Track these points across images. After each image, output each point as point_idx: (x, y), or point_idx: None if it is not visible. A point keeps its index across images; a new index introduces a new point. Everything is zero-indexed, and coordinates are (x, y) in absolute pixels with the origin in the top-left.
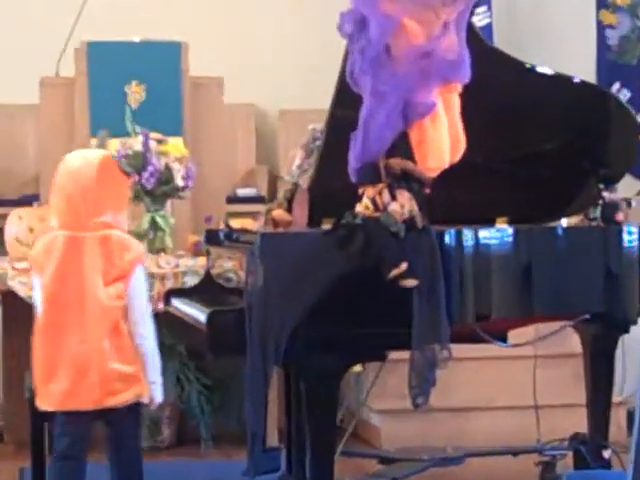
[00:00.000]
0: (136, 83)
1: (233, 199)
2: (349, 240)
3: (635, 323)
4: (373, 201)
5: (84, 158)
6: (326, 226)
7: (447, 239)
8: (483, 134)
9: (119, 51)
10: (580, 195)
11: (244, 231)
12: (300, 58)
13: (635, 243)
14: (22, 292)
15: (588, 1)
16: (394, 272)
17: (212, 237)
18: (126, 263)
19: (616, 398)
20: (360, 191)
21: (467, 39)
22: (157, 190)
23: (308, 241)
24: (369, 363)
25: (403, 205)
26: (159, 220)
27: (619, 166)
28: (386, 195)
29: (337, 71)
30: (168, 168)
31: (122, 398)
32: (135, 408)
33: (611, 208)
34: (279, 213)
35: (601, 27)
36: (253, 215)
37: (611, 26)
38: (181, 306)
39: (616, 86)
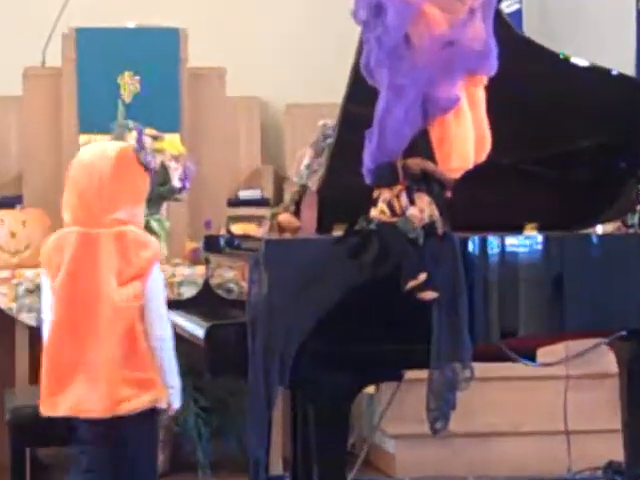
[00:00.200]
0: (130, 74)
1: (235, 202)
2: (363, 248)
3: None
4: (389, 205)
5: (99, 151)
6: (337, 232)
7: (470, 247)
8: (511, 132)
9: (111, 38)
10: (617, 199)
11: (247, 237)
12: (309, 47)
13: None
14: (2, 303)
15: None
16: (412, 283)
17: (212, 244)
18: (143, 261)
19: None
20: (375, 194)
21: (494, 27)
22: (152, 192)
23: (317, 249)
24: (384, 383)
25: (422, 209)
26: (154, 224)
27: None
28: (404, 198)
29: (350, 61)
30: (164, 167)
31: (136, 404)
32: (150, 417)
33: None
34: (286, 218)
35: None
36: (257, 220)
37: None
38: (177, 319)
39: None
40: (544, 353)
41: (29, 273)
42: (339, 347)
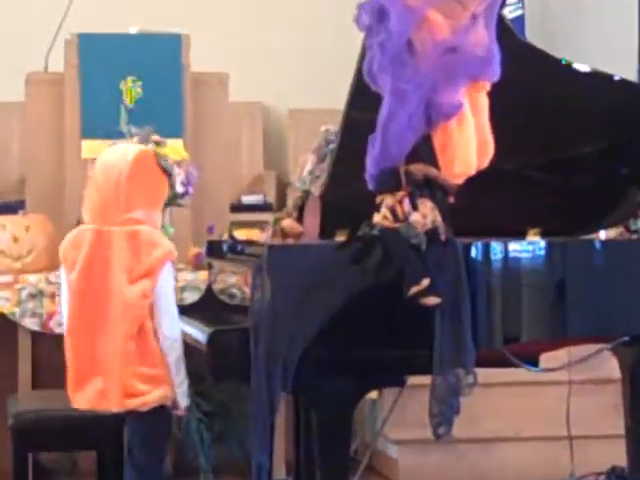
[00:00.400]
0: (132, 79)
1: (238, 207)
2: (365, 253)
3: None
4: (392, 211)
5: (120, 152)
6: (340, 238)
7: (473, 253)
8: (513, 138)
9: (114, 44)
10: (620, 205)
11: (250, 242)
12: (312, 52)
13: None
14: (5, 309)
15: None
16: (415, 289)
17: (214, 249)
18: (154, 260)
19: None
20: (378, 200)
21: (497, 33)
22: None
23: (320, 254)
24: (386, 389)
25: (425, 215)
26: None
27: None
28: (407, 204)
29: (353, 67)
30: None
31: (145, 399)
32: (160, 415)
33: None
34: (288, 223)
35: None
36: (260, 225)
37: None
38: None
39: None
40: (547, 358)
41: (32, 278)
42: (342, 353)
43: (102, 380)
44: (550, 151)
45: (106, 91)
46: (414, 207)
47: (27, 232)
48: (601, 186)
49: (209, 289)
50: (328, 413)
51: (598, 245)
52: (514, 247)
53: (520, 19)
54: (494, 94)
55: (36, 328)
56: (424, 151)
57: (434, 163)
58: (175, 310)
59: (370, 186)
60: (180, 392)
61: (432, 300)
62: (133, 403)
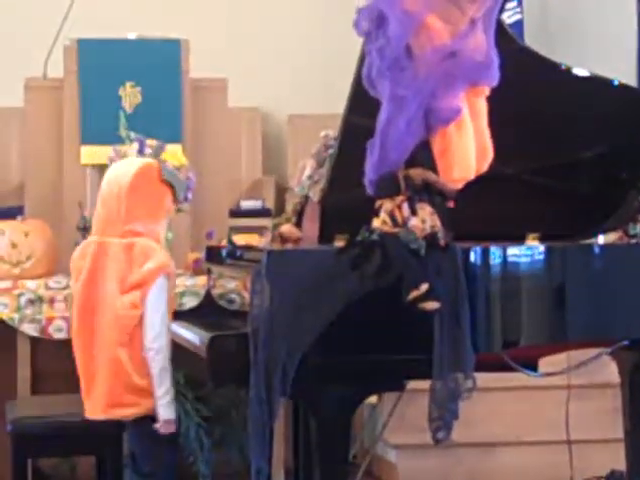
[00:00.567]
0: (131, 85)
1: (237, 212)
2: (364, 258)
3: None
4: (391, 215)
5: (124, 166)
6: (339, 243)
7: (472, 257)
8: (512, 142)
9: (113, 49)
10: (619, 209)
11: (249, 248)
12: (311, 58)
13: None
14: (4, 314)
15: None
16: (414, 294)
17: (213, 254)
18: (145, 271)
19: None
20: (377, 205)
21: (496, 37)
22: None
23: (319, 259)
24: (386, 394)
25: (424, 220)
26: None
27: None
28: (406, 209)
29: (352, 72)
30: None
31: (132, 411)
32: (146, 427)
33: None
34: (287, 228)
35: None
36: (259, 230)
37: None
38: (179, 330)
39: None
40: (546, 363)
41: (31, 284)
42: (341, 357)
43: (96, 388)
44: (549, 156)
45: (105, 97)
46: (413, 212)
47: (26, 238)
48: (600, 191)
49: (208, 294)
50: (327, 418)
51: (597, 250)
52: (513, 252)
53: (519, 24)
54: (493, 99)
55: (35, 334)
56: (423, 156)
57: (433, 168)
58: (162, 323)
59: (369, 191)
60: (161, 404)
61: (431, 305)
62: (119, 413)
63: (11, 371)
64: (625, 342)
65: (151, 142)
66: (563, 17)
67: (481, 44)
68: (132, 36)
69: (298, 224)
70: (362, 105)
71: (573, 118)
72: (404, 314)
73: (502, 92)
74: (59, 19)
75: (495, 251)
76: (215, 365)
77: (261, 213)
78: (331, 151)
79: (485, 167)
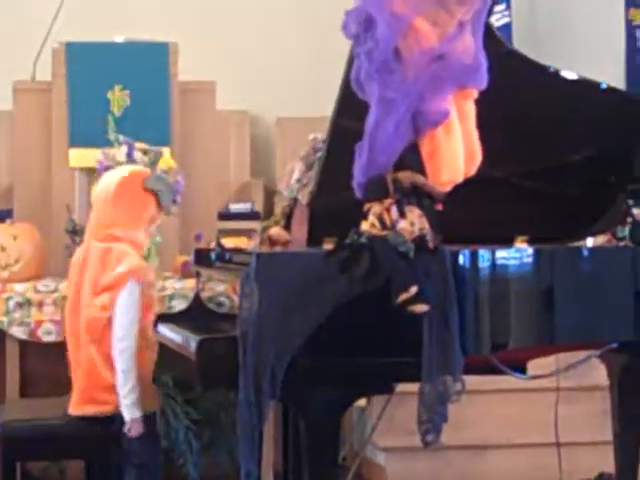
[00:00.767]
0: (120, 88)
1: (225, 215)
2: (353, 261)
3: None
4: (380, 218)
5: (115, 172)
6: (328, 246)
7: (461, 260)
8: (501, 145)
9: (101, 53)
10: (607, 212)
11: (237, 251)
12: (299, 61)
13: None
14: None
15: None
16: (403, 296)
17: (202, 257)
18: (116, 275)
19: None
20: (366, 207)
21: (484, 40)
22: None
23: (308, 262)
24: (375, 396)
25: (413, 223)
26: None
27: None
28: (394, 212)
29: (341, 75)
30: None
31: (105, 408)
32: (117, 424)
33: None
34: (276, 231)
35: (631, 27)
36: (247, 233)
37: None
38: (168, 333)
39: None
40: (535, 366)
41: (19, 287)
42: (330, 360)
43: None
44: (537, 159)
45: (93, 100)
46: (402, 215)
47: (15, 241)
48: (588, 193)
49: (197, 297)
50: (316, 421)
51: (585, 252)
52: (502, 254)
53: (507, 27)
54: (481, 102)
55: (24, 337)
56: (411, 159)
57: (421, 171)
58: (130, 326)
59: (358, 194)
60: (125, 404)
61: (420, 307)
62: (91, 409)
63: (0, 374)
64: (614, 345)
65: (140, 145)
66: (551, 20)
67: (469, 47)
68: (120, 39)
69: (287, 227)
70: (351, 108)
71: (561, 121)
72: (393, 317)
73: (490, 95)
74: (48, 22)
75: (484, 254)
76: (204, 368)
77: (250, 216)
78: (320, 154)
79: (473, 170)
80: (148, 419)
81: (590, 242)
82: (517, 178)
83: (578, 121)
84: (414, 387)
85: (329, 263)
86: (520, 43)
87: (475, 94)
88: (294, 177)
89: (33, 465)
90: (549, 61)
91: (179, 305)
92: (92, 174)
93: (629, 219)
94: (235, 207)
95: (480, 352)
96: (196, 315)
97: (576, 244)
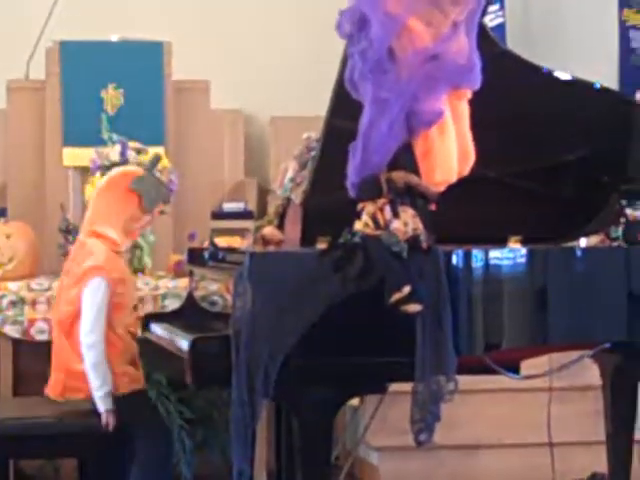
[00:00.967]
0: (113, 87)
1: (219, 215)
2: (347, 261)
3: None
4: (373, 218)
5: (110, 173)
6: (321, 245)
7: (454, 260)
8: (494, 145)
9: (95, 51)
10: (600, 213)
11: (231, 250)
12: (293, 60)
13: None
14: None
15: None
16: (396, 296)
17: (195, 256)
18: (81, 270)
19: (638, 435)
20: (359, 207)
21: (478, 41)
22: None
23: (301, 262)
24: (368, 396)
25: (406, 223)
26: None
27: None
28: (388, 212)
29: (335, 75)
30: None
31: (77, 395)
32: (129, 399)
33: (634, 227)
34: (270, 231)
35: (624, 28)
36: (240, 232)
37: (636, 27)
38: (161, 332)
39: None
40: (528, 366)
41: (12, 285)
42: (323, 360)
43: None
44: (531, 159)
45: (87, 99)
46: (395, 215)
47: (8, 239)
48: (582, 194)
49: (190, 296)
50: (309, 420)
51: (579, 252)
52: (495, 255)
53: (501, 27)
54: (475, 102)
55: (17, 336)
56: (405, 159)
57: (415, 171)
58: (94, 321)
59: (351, 194)
60: (98, 397)
61: (413, 307)
62: (75, 396)
63: None
64: (607, 345)
65: (134, 144)
66: (545, 21)
67: (463, 47)
68: (114, 38)
69: (280, 226)
70: (344, 108)
71: (555, 121)
72: (386, 317)
73: (484, 95)
74: (42, 20)
75: (477, 254)
76: (197, 367)
77: (243, 215)
78: (313, 153)
79: (467, 170)
80: (132, 398)
81: (583, 242)
82: (510, 178)
83: (571, 121)
84: (407, 387)
85: (322, 263)
86: (514, 43)
87: (469, 94)
88: (288, 176)
89: (26, 464)
90: (543, 61)
91: (172, 304)
92: (86, 173)
93: (622, 219)
94: (228, 206)
95: (473, 352)
96: (189, 314)
97: (569, 244)
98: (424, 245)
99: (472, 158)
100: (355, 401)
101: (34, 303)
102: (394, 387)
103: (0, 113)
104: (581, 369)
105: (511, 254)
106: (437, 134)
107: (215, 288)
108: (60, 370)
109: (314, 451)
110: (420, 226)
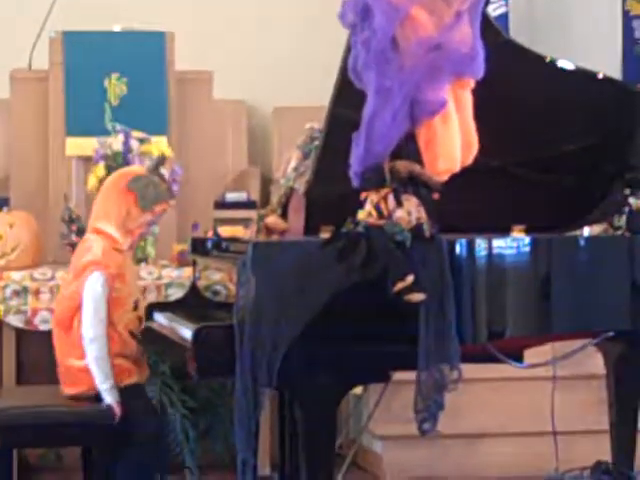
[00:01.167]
0: (116, 77)
1: (222, 204)
2: (350, 250)
3: None
4: (377, 207)
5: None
6: (325, 234)
7: (458, 249)
8: (498, 134)
9: (98, 41)
10: (604, 202)
11: (234, 240)
12: (297, 50)
13: None
14: None
15: None
16: (399, 285)
17: (199, 246)
18: (80, 264)
19: None
20: (363, 196)
21: (481, 30)
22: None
23: (305, 251)
24: (371, 385)
25: (410, 212)
26: None
27: None
28: (391, 201)
29: (338, 64)
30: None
31: (81, 388)
32: (128, 391)
33: (638, 216)
34: (273, 220)
35: (628, 18)
36: (243, 222)
37: (639, 17)
38: (164, 321)
39: None
40: (531, 354)
41: (16, 275)
42: (326, 349)
43: None
44: (535, 148)
45: (90, 88)
46: (399, 204)
47: (11, 229)
48: (585, 183)
49: (193, 286)
50: (313, 409)
51: (582, 241)
52: (499, 243)
53: (504, 17)
54: (478, 91)
55: (20, 325)
56: (408, 148)
57: (419, 160)
58: (94, 315)
59: (355, 183)
60: (102, 389)
61: (417, 296)
62: (72, 390)
63: None
64: (610, 333)
65: (137, 134)
66: (548, 10)
67: (466, 36)
68: (117, 28)
69: (283, 216)
70: (348, 97)
71: (557, 111)
72: (390, 306)
73: (487, 84)
74: (45, 11)
75: (481, 243)
76: (200, 356)
77: (246, 205)
78: (316, 143)
79: (470, 159)
80: (130, 390)
81: (587, 231)
82: (513, 167)
83: (574, 111)
84: (411, 375)
85: (326, 252)
86: (517, 33)
87: (472, 83)
88: (291, 166)
89: (30, 452)
90: (546, 51)
91: (176, 294)
92: (89, 163)
93: (626, 208)
94: (231, 196)
95: (477, 341)
96: (192, 304)
97: (573, 233)
98: (427, 234)
99: (475, 147)
100: (359, 390)
101: (37, 293)
102: (398, 376)
103: (3, 103)
104: (585, 358)
105: (514, 243)
106: (440, 123)
107: (218, 277)
108: (62, 365)
109: (318, 440)
110: (423, 215)
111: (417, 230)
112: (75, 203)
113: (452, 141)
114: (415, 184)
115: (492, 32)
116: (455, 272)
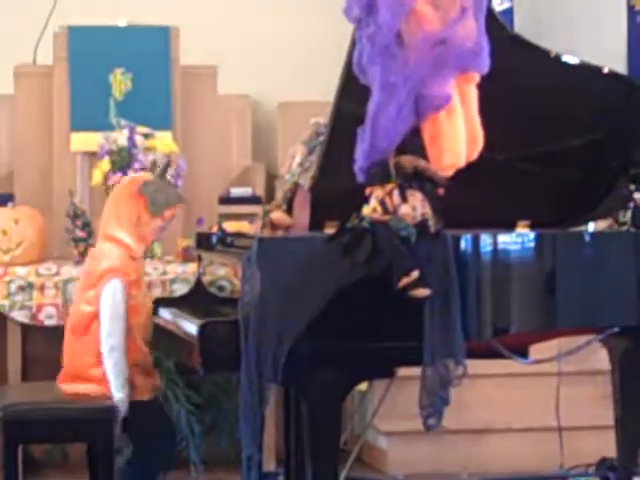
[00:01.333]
0: (121, 72)
1: (227, 200)
2: (355, 245)
3: None
4: (382, 203)
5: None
6: (330, 230)
7: (463, 245)
8: (503, 129)
9: (103, 36)
10: (609, 197)
11: (239, 235)
12: (302, 45)
13: None
14: None
15: None
16: (404, 281)
17: (204, 241)
18: (97, 272)
19: None
20: (367, 192)
21: (486, 25)
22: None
23: (310, 246)
24: (376, 380)
25: (415, 207)
26: None
27: None
28: (396, 196)
29: (343, 59)
30: (156, 165)
31: (89, 389)
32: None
33: None
34: (278, 215)
35: (633, 12)
36: (248, 217)
37: None
38: (169, 317)
39: None
40: (536, 350)
41: (21, 271)
42: (332, 344)
43: None
44: (540, 143)
45: (95, 83)
46: (404, 199)
47: (16, 225)
48: (590, 178)
49: (199, 281)
50: (318, 404)
51: (587, 237)
52: (504, 239)
53: (509, 11)
54: (483, 86)
55: (25, 320)
56: (413, 143)
57: (424, 155)
58: (111, 323)
59: (360, 178)
60: (118, 398)
61: (422, 292)
62: (79, 388)
63: (1, 358)
64: (615, 329)
65: (141, 129)
66: (553, 5)
67: (471, 31)
68: (122, 23)
69: (288, 211)
70: (353, 92)
71: (563, 105)
72: (395, 301)
73: (492, 79)
74: (49, 6)
75: (486, 238)
76: (206, 352)
77: (251, 200)
78: (322, 138)
79: (475, 154)
80: (141, 406)
81: (592, 227)
82: (519, 162)
83: (579, 106)
84: (416, 371)
85: (331, 247)
86: (522, 28)
87: (477, 78)
88: (296, 161)
89: (35, 448)
90: (550, 46)
91: (181, 289)
92: (93, 158)
93: (631, 204)
94: (236, 191)
95: (482, 337)
96: (197, 299)
97: (578, 229)
98: (432, 230)
99: (480, 142)
100: (364, 386)
101: (42, 288)
102: (403, 371)
103: (8, 98)
104: (590, 353)
105: (519, 239)
106: (445, 118)
107: (223, 273)
108: (71, 369)
109: (323, 436)
110: (429, 211)
111: (422, 225)
112: (80, 198)
113: (457, 136)
114: (420, 179)
115: (497, 27)
116: (460, 267)
